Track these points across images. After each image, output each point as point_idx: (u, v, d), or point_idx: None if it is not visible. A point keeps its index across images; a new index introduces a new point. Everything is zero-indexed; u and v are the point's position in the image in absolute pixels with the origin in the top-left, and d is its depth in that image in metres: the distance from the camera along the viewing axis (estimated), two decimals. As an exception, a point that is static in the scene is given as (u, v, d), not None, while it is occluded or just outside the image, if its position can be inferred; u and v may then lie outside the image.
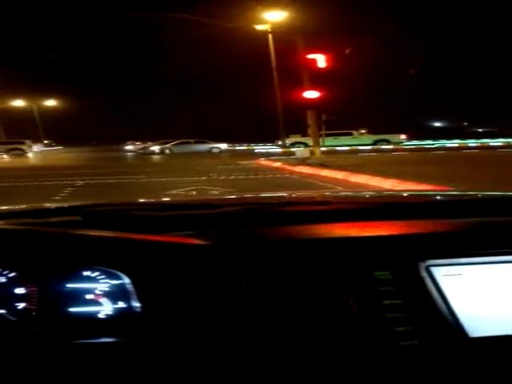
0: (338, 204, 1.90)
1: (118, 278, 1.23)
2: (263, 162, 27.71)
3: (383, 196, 2.60)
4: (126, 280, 1.22)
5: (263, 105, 57.82)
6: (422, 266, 1.28)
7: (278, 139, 46.38)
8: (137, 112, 75.83)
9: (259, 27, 37.98)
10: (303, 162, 22.71)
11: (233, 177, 18.15)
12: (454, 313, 1.22)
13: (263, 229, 1.46)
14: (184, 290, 1.21)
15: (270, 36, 38.87)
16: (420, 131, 59.19)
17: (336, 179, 16.08)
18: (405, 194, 2.61)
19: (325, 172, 18.03)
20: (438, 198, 2.21)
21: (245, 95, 66.44)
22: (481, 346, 1.19)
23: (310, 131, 37.39)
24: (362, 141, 46.40)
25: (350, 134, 48.05)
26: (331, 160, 22.61)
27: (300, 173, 19.35)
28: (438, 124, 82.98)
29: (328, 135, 39.75)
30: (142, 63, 69.85)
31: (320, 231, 1.43)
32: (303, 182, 15.77)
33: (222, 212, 1.66)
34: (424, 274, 1.27)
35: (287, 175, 18.66)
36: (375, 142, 46.56)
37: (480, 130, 72.94)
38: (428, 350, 1.17)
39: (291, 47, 25.34)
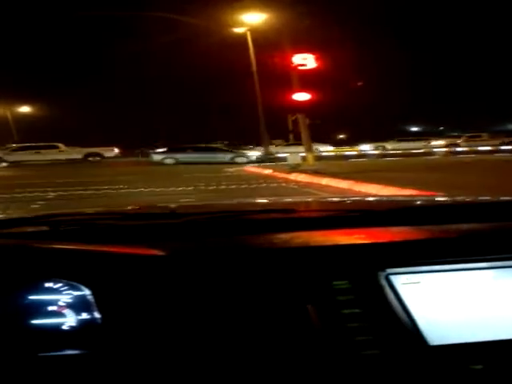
0: (304, 212, 1.93)
1: (79, 289, 1.23)
2: (251, 168, 26.10)
3: (359, 202, 2.58)
4: (87, 292, 1.22)
5: (244, 109, 56.53)
6: (382, 274, 1.27)
7: (261, 144, 45.03)
8: (113, 116, 73.95)
9: (238, 30, 37.12)
10: (295, 168, 21.25)
11: (223, 186, 16.57)
12: (413, 321, 1.22)
13: (224, 238, 1.47)
14: (143, 300, 1.22)
15: (249, 38, 37.96)
16: (400, 136, 58.67)
17: (340, 189, 14.55)
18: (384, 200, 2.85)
19: (325, 181, 16.44)
20: (412, 203, 2.24)
21: (224, 99, 65.06)
22: (441, 353, 1.18)
23: (291, 136, 36.58)
24: (69, 155, 42.41)
25: (56, 147, 43.39)
26: (324, 167, 21.20)
27: (296, 181, 17.78)
28: (414, 128, 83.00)
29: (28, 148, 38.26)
30: (119, 64, 68.19)
31: (280, 240, 1.44)
32: (304, 193, 14.20)
33: (184, 221, 1.65)
34: (383, 283, 1.26)
35: (283, 184, 17.10)
36: (86, 156, 42.61)
37: (455, 135, 73.06)
38: (388, 359, 1.16)
39: (276, 49, 24.44)
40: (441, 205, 2.10)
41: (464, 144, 48.77)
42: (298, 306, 1.22)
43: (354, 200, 2.81)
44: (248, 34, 37.97)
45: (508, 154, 32.69)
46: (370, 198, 3.83)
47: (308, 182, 17.04)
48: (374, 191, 12.76)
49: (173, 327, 1.19)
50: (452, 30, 70.62)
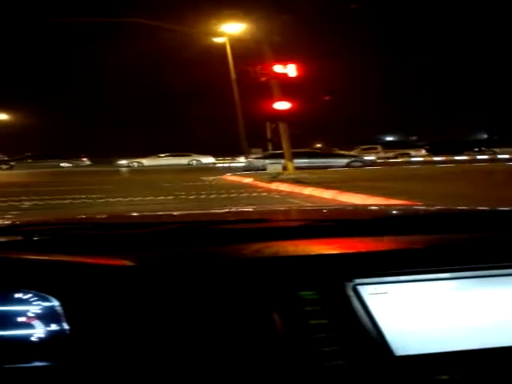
0: (276, 222, 1.91)
1: (48, 300, 1.21)
2: (231, 177, 25.75)
3: (334, 211, 2.55)
4: (56, 303, 1.21)
5: (222, 118, 56.25)
6: (349, 284, 1.27)
7: (241, 153, 44.75)
8: (89, 126, 73.08)
9: (218, 40, 37.00)
10: (276, 178, 20.93)
11: (203, 196, 16.20)
12: (380, 331, 1.21)
13: (193, 248, 1.47)
14: (112, 311, 1.21)
15: (228, 47, 37.84)
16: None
17: (324, 199, 14.27)
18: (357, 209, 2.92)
19: (308, 190, 16.16)
20: (384, 213, 2.24)
21: (203, 108, 64.69)
22: (407, 364, 1.18)
23: (270, 145, 36.36)
24: None
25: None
26: (304, 176, 20.91)
27: (278, 190, 17.48)
28: (389, 138, 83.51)
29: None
30: (96, 73, 67.50)
31: (249, 250, 1.43)
32: (286, 203, 13.91)
33: (154, 231, 1.66)
34: (350, 293, 1.26)
35: (264, 194, 16.79)
36: None
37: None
38: (353, 369, 1.15)
39: (256, 59, 24.33)
40: (410, 215, 2.11)
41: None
42: (264, 317, 1.21)
43: (328, 209, 2.81)
44: (227, 43, 37.84)
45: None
46: (345, 208, 3.83)
47: (290, 192, 16.73)
48: (359, 201, 12.50)
49: (141, 337, 1.18)
50: (429, 40, 71.26)
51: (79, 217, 2.16)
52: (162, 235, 1.60)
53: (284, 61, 22.30)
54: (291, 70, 22.69)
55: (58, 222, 1.97)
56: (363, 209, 3.05)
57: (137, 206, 13.43)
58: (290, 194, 16.12)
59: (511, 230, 1.63)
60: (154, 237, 1.58)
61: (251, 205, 12.96)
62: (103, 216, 2.62)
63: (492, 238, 1.56)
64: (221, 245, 1.50)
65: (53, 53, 70.37)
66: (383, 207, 3.26)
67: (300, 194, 16.04)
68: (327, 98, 27.65)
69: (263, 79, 23.11)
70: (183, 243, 1.52)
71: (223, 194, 16.82)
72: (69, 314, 1.19)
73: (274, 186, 18.85)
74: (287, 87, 22.88)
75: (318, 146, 49.80)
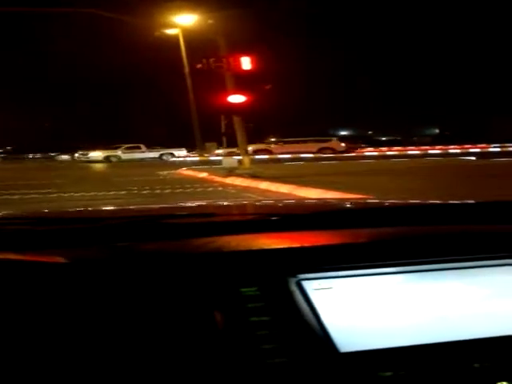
0: (223, 216, 1.87)
1: None
2: (186, 172, 25.39)
3: (282, 205, 2.51)
4: None
5: (175, 111, 55.60)
6: (292, 280, 1.25)
7: (196, 147, 44.43)
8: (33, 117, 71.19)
9: (170, 31, 36.53)
10: (231, 172, 20.66)
11: (158, 191, 15.87)
12: (324, 327, 1.19)
13: (135, 243, 1.44)
14: (45, 309, 1.17)
15: (181, 39, 37.41)
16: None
17: (281, 193, 14.11)
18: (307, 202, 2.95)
19: (264, 185, 15.97)
20: (330, 207, 2.22)
21: (156, 101, 63.92)
22: (351, 360, 1.16)
23: (224, 139, 36.10)
24: None
25: None
26: (260, 170, 20.74)
27: (234, 185, 17.26)
28: (343, 132, 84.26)
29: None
30: (46, 64, 65.89)
31: (192, 246, 1.42)
32: (242, 198, 13.70)
33: (96, 226, 1.60)
34: (294, 289, 1.24)
35: (220, 188, 16.59)
36: None
37: (383, 139, 74.64)
38: (297, 366, 1.13)
39: (210, 51, 24.07)
40: (358, 209, 2.10)
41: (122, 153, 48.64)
42: (205, 314, 1.18)
43: (276, 203, 2.80)
44: (180, 35, 37.40)
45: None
46: (294, 202, 3.83)
47: (246, 186, 16.55)
48: (316, 196, 12.38)
49: (74, 338, 1.13)
50: (390, 30, 72.04)
51: (16, 212, 2.08)
52: (101, 231, 1.55)
53: (238, 53, 22.11)
54: (245, 63, 22.54)
55: None
56: (309, 203, 3.02)
57: (88, 201, 13.05)
58: (245, 189, 15.95)
59: (458, 224, 1.62)
60: (93, 232, 1.53)
61: (206, 200, 12.73)
62: (43, 211, 2.55)
63: (438, 232, 1.55)
64: (163, 239, 1.47)
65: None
66: (332, 201, 3.27)
67: (256, 188, 15.88)
68: (267, 87, 27.48)
69: (216, 72, 22.90)
70: (123, 238, 1.47)
71: (178, 188, 16.52)
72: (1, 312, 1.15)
73: (230, 180, 18.64)
74: (241, 80, 22.71)
75: (273, 140, 49.42)
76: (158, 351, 1.13)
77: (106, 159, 46.23)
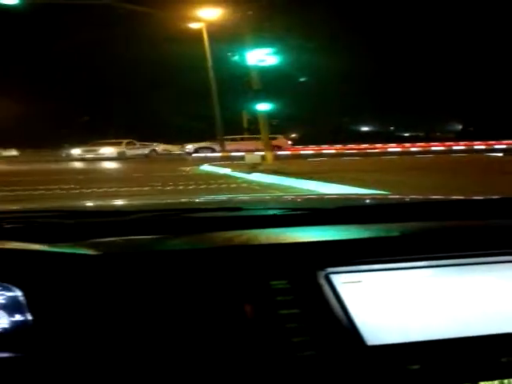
0: (250, 210, 1.89)
1: (11, 290, 1.19)
2: (209, 168, 25.23)
3: (309, 200, 2.56)
4: (19, 293, 1.18)
5: (195, 106, 55.49)
6: (321, 273, 1.26)
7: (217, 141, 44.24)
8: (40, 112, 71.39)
9: (194, 25, 36.40)
10: (255, 168, 20.45)
11: (181, 187, 15.75)
12: (352, 321, 1.21)
13: (164, 237, 1.45)
14: (76, 301, 1.19)
15: (205, 33, 37.25)
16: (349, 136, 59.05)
17: (306, 190, 13.89)
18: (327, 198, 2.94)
19: (289, 181, 15.77)
20: (358, 202, 2.27)
21: (180, 97, 63.95)
22: (378, 354, 1.18)
23: (246, 134, 35.93)
24: None
25: None
26: (284, 166, 20.56)
27: (257, 181, 17.07)
28: (365, 128, 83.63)
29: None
30: (70, 56, 66.10)
31: (221, 239, 1.43)
32: (268, 194, 13.52)
33: (123, 220, 1.62)
34: (323, 282, 1.25)
35: (243, 184, 16.38)
36: None
37: (406, 135, 74.05)
38: (325, 359, 1.15)
39: (235, 45, 23.97)
40: (385, 204, 2.11)
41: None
42: (235, 307, 1.19)
43: (303, 198, 2.81)
44: (204, 29, 37.21)
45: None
46: (320, 197, 3.89)
47: (270, 183, 16.35)
48: (341, 192, 12.16)
49: (106, 328, 1.15)
50: (410, 28, 71.40)
51: (46, 206, 2.04)
52: (131, 224, 1.56)
53: (264, 46, 21.99)
54: (271, 57, 22.42)
55: (24, 210, 1.94)
56: (336, 197, 3.02)
57: (112, 197, 12.99)
58: (270, 185, 15.74)
59: (485, 219, 1.62)
60: (122, 225, 1.54)
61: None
62: (73, 205, 2.58)
63: (467, 227, 1.56)
64: (192, 233, 1.48)
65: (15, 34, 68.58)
66: (358, 196, 3.30)
67: (280, 184, 15.67)
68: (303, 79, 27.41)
69: (242, 66, 22.82)
70: (153, 231, 1.48)
71: (202, 185, 16.40)
72: (32, 304, 1.16)
73: (254, 176, 18.44)
74: (266, 75, 22.60)
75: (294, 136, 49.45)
76: (191, 343, 1.14)
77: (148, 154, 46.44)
